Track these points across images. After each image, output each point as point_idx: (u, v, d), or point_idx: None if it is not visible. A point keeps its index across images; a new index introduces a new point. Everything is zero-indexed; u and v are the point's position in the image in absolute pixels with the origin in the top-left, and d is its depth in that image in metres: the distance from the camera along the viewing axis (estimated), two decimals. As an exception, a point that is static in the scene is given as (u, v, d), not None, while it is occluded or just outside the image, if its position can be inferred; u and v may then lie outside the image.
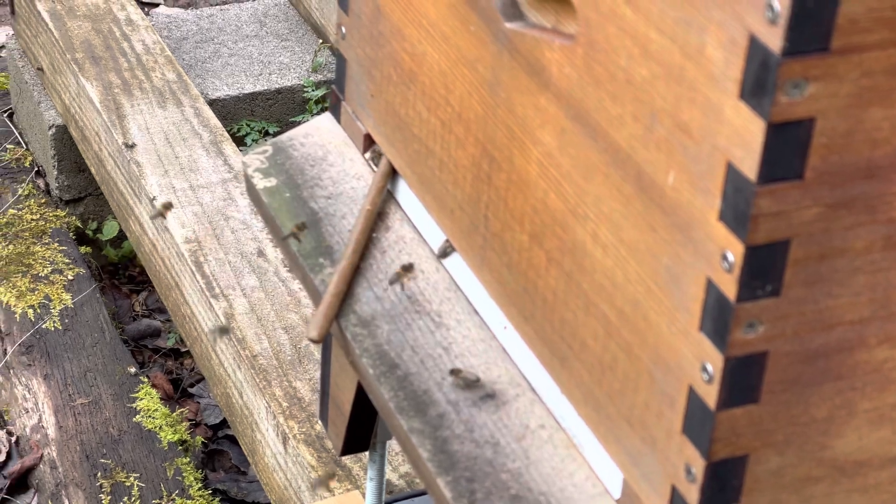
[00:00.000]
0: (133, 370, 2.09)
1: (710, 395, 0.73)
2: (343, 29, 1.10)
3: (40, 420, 2.02)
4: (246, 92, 2.41)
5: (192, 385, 2.29)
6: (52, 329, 2.14)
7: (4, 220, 2.34)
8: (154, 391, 2.05)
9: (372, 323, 0.97)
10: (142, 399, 2.02)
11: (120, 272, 2.45)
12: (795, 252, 0.70)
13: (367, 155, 1.09)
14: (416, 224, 1.03)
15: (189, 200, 1.93)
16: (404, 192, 1.05)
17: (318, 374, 1.68)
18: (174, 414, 2.03)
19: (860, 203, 0.70)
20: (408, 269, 1.00)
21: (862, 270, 0.72)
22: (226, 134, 2.07)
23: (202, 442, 2.09)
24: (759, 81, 0.66)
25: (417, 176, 1.01)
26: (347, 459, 1.54)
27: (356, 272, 1.00)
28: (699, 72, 0.70)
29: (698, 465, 0.75)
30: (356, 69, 1.09)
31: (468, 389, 0.90)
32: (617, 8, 0.75)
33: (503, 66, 0.88)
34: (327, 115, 1.15)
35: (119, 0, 2.36)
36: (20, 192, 2.40)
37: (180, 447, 1.98)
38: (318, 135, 1.13)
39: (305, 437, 1.59)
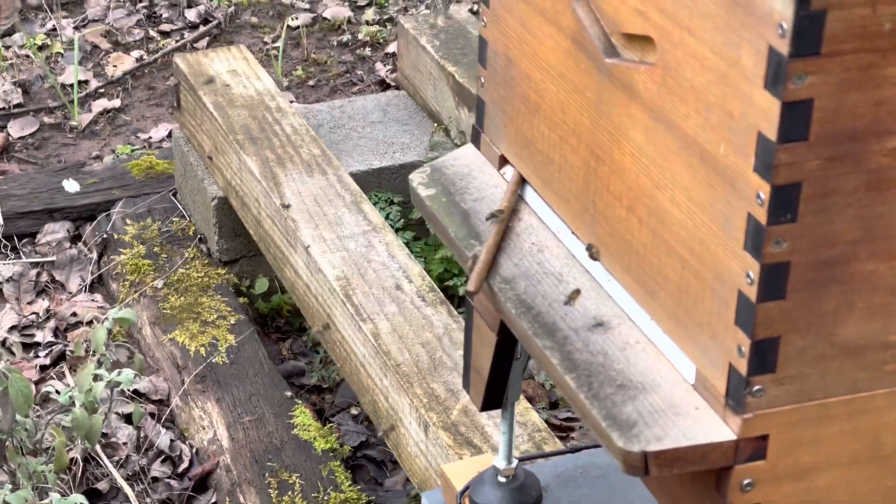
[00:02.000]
0: (289, 394, 2.42)
1: (753, 294, 1.05)
2: (482, 79, 1.44)
3: (215, 434, 2.36)
4: (374, 167, 2.76)
5: (333, 415, 2.62)
6: (221, 363, 2.48)
7: (176, 277, 2.70)
8: (307, 410, 2.38)
9: (512, 281, 1.30)
10: (297, 416, 2.35)
11: (268, 322, 2.79)
12: (805, 191, 1.02)
13: (501, 171, 1.43)
14: (540, 215, 1.36)
15: (337, 248, 2.28)
16: (530, 194, 1.38)
17: (450, 378, 2.00)
18: (325, 428, 2.36)
19: (848, 157, 1.02)
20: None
21: (852, 205, 1.04)
22: (364, 195, 2.42)
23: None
24: (776, 76, 0.99)
25: (541, 179, 1.35)
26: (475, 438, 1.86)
27: (499, 249, 1.33)
28: (738, 74, 1.03)
29: (746, 345, 1.07)
30: (492, 108, 1.43)
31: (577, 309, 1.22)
32: (683, 38, 1.09)
33: (605, 89, 1.21)
34: (469, 146, 1.49)
35: (269, 92, 2.73)
36: (186, 255, 2.76)
37: (332, 454, 2.30)
38: (464, 159, 1.47)
39: (443, 424, 1.91)
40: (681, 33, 1.09)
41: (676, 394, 1.15)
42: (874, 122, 1.02)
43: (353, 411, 2.58)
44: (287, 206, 2.37)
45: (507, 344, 1.51)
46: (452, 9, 3.01)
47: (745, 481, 1.12)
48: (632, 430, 1.12)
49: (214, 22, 3.75)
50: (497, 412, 1.57)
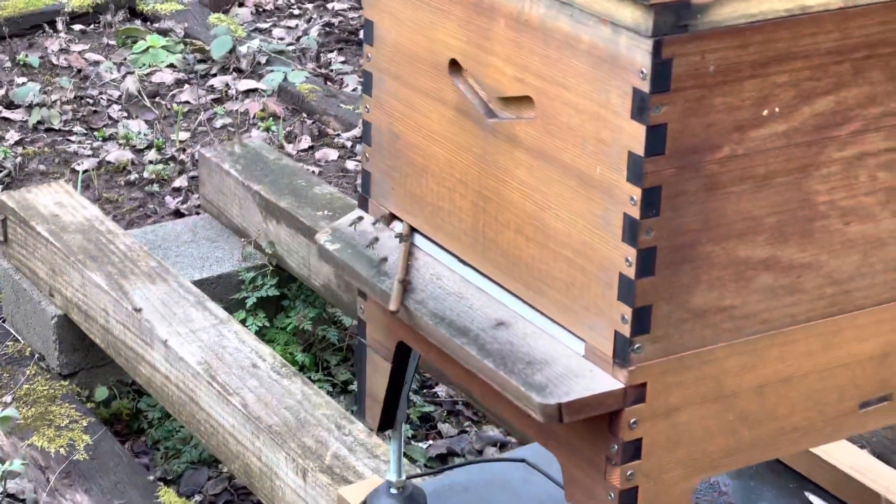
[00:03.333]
0: (151, 478, 2.66)
1: (632, 273, 1.40)
2: (367, 155, 1.77)
3: (89, 521, 2.57)
4: (195, 279, 3.04)
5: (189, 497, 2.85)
6: (82, 459, 2.70)
7: (22, 392, 2.90)
8: (171, 490, 2.61)
9: (423, 301, 1.62)
10: (163, 496, 2.58)
11: (110, 427, 3.01)
12: (664, 192, 1.39)
13: (391, 226, 1.76)
14: (433, 255, 1.69)
15: (192, 339, 2.54)
16: (420, 240, 1.71)
17: (317, 433, 2.29)
18: (193, 501, 2.60)
19: (691, 166, 1.39)
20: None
21: (694, 202, 1.41)
22: (204, 295, 2.70)
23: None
24: (640, 108, 1.35)
25: (431, 227, 1.68)
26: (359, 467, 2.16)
27: (405, 283, 1.65)
28: (608, 111, 1.39)
29: (628, 313, 1.42)
30: (378, 177, 1.76)
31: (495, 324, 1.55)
32: (559, 92, 1.45)
33: (489, 143, 1.56)
34: (356, 212, 1.81)
35: (97, 217, 2.99)
36: (28, 372, 2.96)
37: (200, 525, 2.55)
38: (357, 221, 1.79)
39: (320, 468, 2.19)
40: (557, 89, 1.45)
41: (573, 363, 1.49)
42: (707, 139, 1.39)
43: (197, 498, 2.82)
44: (139, 310, 2.63)
45: (399, 372, 1.83)
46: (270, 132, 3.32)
47: (632, 420, 1.46)
48: (546, 390, 1.45)
49: (5, 171, 3.97)
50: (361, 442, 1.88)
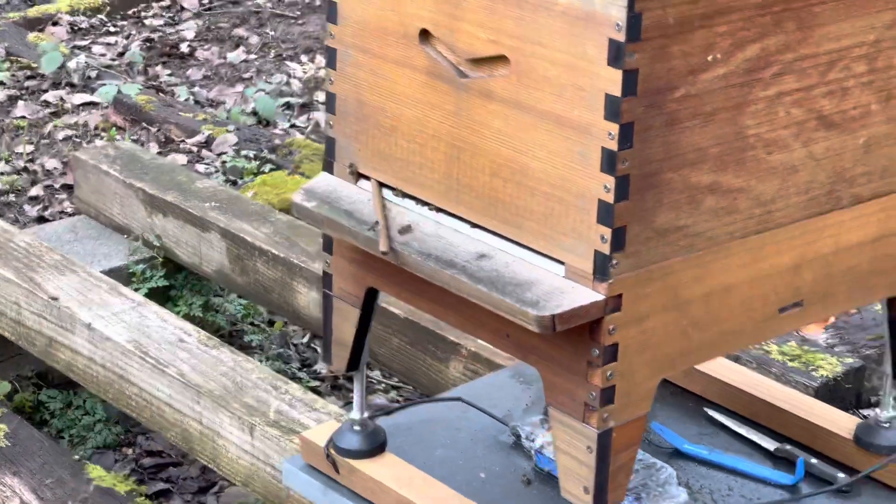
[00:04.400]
0: (77, 457, 2.77)
1: (610, 198, 1.63)
2: (331, 123, 1.96)
3: (22, 500, 2.67)
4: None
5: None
6: (4, 446, 2.79)
7: (-71, 389, 2.97)
8: (98, 466, 2.73)
9: (407, 243, 1.81)
10: (92, 472, 2.70)
11: (12, 421, 3.10)
12: (636, 127, 1.62)
13: (358, 184, 1.95)
14: (403, 206, 1.89)
15: (116, 321, 2.67)
16: (388, 194, 1.90)
17: (255, 394, 2.45)
18: (120, 475, 2.72)
19: (656, 105, 1.63)
20: (406, 229, 1.85)
21: (658, 136, 1.65)
22: (116, 282, 2.83)
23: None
24: (617, 55, 1.58)
25: (402, 180, 1.88)
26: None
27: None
28: (586, 61, 1.62)
29: (608, 233, 1.64)
30: (343, 141, 1.95)
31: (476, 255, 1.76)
32: (534, 49, 1.67)
33: (463, 100, 1.77)
34: (323, 174, 1.99)
35: (-8, 219, 3.08)
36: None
37: (134, 493, 2.67)
38: (326, 182, 1.97)
39: (267, 423, 2.36)
40: (532, 47, 1.67)
41: (556, 283, 1.71)
42: (668, 82, 1.63)
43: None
44: (56, 298, 2.74)
45: (366, 317, 2.02)
46: (117, 141, 3.45)
47: (611, 327, 1.69)
48: (538, 305, 1.67)
49: None
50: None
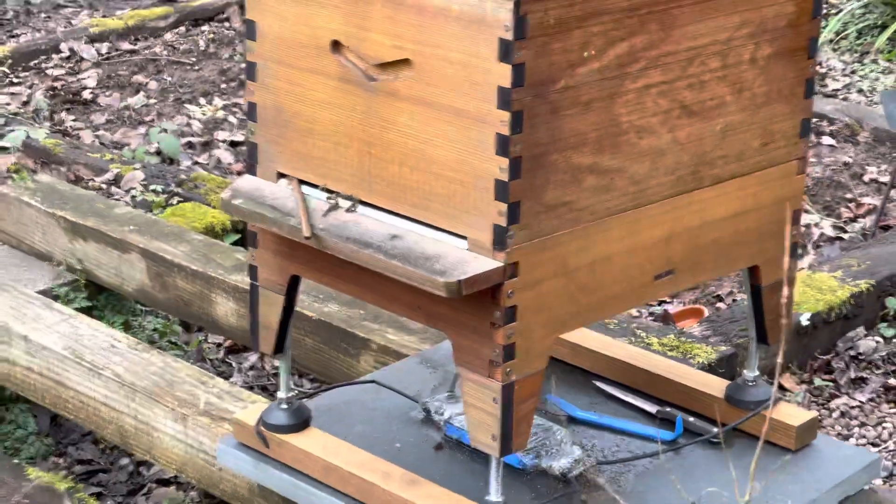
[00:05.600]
0: (16, 461, 2.91)
1: (506, 177, 1.85)
2: (252, 129, 2.16)
3: (-34, 503, 2.81)
4: (15, 298, 3.29)
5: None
6: (-55, 456, 2.93)
7: None
8: (35, 468, 2.88)
9: (326, 229, 2.02)
10: (31, 473, 2.85)
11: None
12: (525, 115, 1.84)
13: (278, 182, 2.15)
14: (322, 198, 2.10)
15: (51, 332, 2.83)
16: (307, 189, 2.11)
17: (187, 388, 2.63)
18: (58, 475, 2.88)
19: (541, 94, 1.86)
20: (334, 207, 2.05)
21: (544, 123, 1.87)
22: (48, 299, 2.99)
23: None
24: (506, 53, 1.81)
25: (319, 175, 2.09)
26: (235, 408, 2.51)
27: (307, 216, 2.05)
28: (479, 59, 1.84)
29: (504, 209, 1.86)
30: (264, 145, 2.15)
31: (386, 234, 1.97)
32: (434, 51, 1.89)
33: (372, 101, 1.98)
34: (246, 176, 2.19)
35: (-77, 248, 3.22)
36: None
37: (72, 490, 2.83)
38: (249, 183, 2.17)
39: (199, 413, 2.54)
40: (432, 49, 1.89)
41: (460, 255, 1.92)
42: (550, 75, 1.86)
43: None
44: (-9, 317, 2.90)
45: (290, 302, 2.22)
46: (37, 176, 3.61)
47: (510, 291, 1.91)
48: (446, 273, 1.88)
49: None
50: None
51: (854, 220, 4.24)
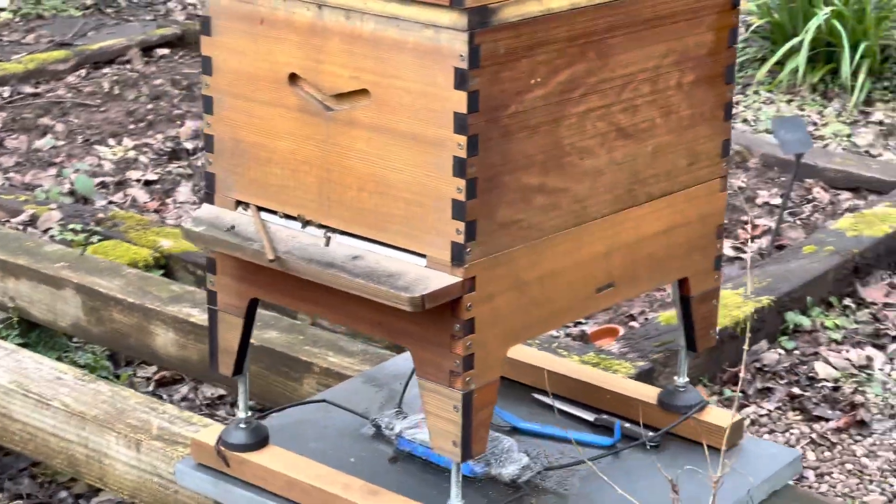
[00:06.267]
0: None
1: (462, 197, 1.97)
2: (210, 160, 2.25)
3: (-85, 538, 2.84)
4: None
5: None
6: None
7: None
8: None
9: (288, 252, 2.11)
10: (-22, 508, 2.89)
11: None
12: (480, 139, 1.96)
13: (237, 210, 2.24)
14: (282, 224, 2.19)
15: (-5, 367, 2.88)
16: (266, 216, 2.20)
17: (137, 415, 2.69)
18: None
19: (493, 119, 1.97)
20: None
21: (497, 146, 1.99)
22: (-12, 336, 3.03)
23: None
24: (462, 81, 1.93)
25: (278, 202, 2.18)
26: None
27: (269, 240, 2.14)
28: (436, 88, 1.95)
29: (462, 227, 1.98)
30: (222, 175, 2.24)
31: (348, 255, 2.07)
32: (391, 82, 2.00)
33: (331, 129, 2.09)
34: (205, 205, 2.28)
35: None
36: None
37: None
38: (209, 212, 2.26)
39: (153, 437, 2.61)
40: (389, 80, 2.01)
41: (420, 272, 2.03)
42: (501, 101, 1.98)
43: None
44: (-66, 352, 2.93)
45: (248, 325, 2.30)
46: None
47: (468, 304, 2.02)
48: (409, 288, 1.99)
49: None
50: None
51: (751, 240, 4.43)
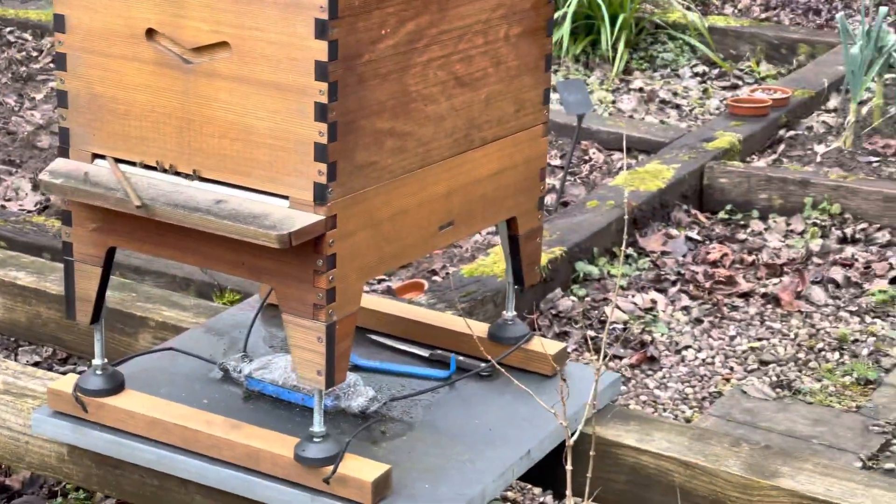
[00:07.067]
0: None
1: (324, 140, 2.09)
2: (64, 115, 2.31)
3: None
4: None
5: None
6: None
7: None
8: None
9: (155, 199, 2.20)
10: None
11: None
12: (339, 85, 2.09)
13: (94, 162, 2.31)
14: (140, 174, 2.27)
15: None
16: (125, 167, 2.28)
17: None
18: None
19: (350, 67, 2.10)
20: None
21: (354, 92, 2.12)
22: None
23: None
24: (322, 31, 2.05)
25: (138, 154, 2.26)
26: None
27: (133, 188, 2.22)
28: (297, 38, 2.07)
29: (324, 168, 2.10)
30: (77, 130, 2.30)
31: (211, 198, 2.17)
32: (252, 33, 2.10)
33: (190, 82, 2.18)
34: (59, 159, 2.33)
35: None
36: None
37: None
38: (65, 165, 2.32)
39: (0, 392, 2.65)
40: (250, 31, 2.11)
41: (285, 212, 2.14)
42: (357, 50, 2.11)
43: None
44: None
45: (106, 274, 2.38)
46: None
47: (330, 241, 2.14)
48: (276, 227, 2.10)
49: None
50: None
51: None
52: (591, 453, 2.17)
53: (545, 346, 2.67)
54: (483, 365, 2.63)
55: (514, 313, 2.68)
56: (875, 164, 4.87)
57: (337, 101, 2.10)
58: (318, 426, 2.28)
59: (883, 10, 4.90)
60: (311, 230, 2.12)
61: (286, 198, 2.15)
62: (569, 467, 2.11)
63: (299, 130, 2.11)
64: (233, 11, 2.12)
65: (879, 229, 4.41)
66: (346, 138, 2.13)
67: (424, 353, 2.71)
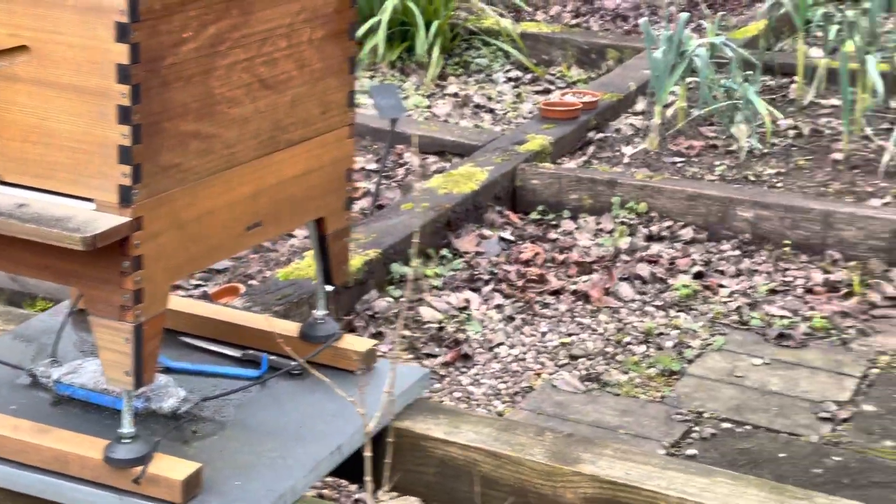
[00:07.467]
0: None
1: (128, 142, 2.10)
2: None
3: None
4: None
5: None
6: None
7: None
8: None
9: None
10: None
11: None
12: (142, 87, 2.10)
13: None
14: (-59, 178, 2.25)
15: None
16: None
17: None
18: None
19: (153, 70, 2.11)
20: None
21: (157, 94, 2.13)
22: None
23: None
24: (123, 34, 2.06)
25: (-63, 158, 2.24)
26: None
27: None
28: (97, 41, 2.07)
29: (128, 171, 2.11)
30: None
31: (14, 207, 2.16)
32: (52, 37, 2.10)
33: (-9, 85, 2.17)
34: None
35: None
36: None
37: None
38: None
39: None
40: (49, 35, 2.11)
41: (89, 215, 2.14)
42: (159, 52, 2.13)
43: None
44: None
45: None
46: None
47: (136, 242, 2.15)
48: (80, 229, 2.10)
49: None
50: None
51: (355, 201, 4.70)
52: (390, 440, 2.22)
53: (355, 343, 2.72)
54: (293, 363, 2.66)
55: (326, 312, 2.72)
56: (679, 165, 5.03)
57: (140, 103, 2.11)
58: (126, 427, 2.28)
59: (684, 16, 5.07)
60: (117, 232, 2.12)
61: (91, 200, 2.16)
62: (367, 454, 2.16)
63: (102, 133, 2.12)
64: (31, 15, 2.12)
65: (683, 226, 4.56)
66: (151, 140, 2.14)
67: (237, 353, 2.73)
